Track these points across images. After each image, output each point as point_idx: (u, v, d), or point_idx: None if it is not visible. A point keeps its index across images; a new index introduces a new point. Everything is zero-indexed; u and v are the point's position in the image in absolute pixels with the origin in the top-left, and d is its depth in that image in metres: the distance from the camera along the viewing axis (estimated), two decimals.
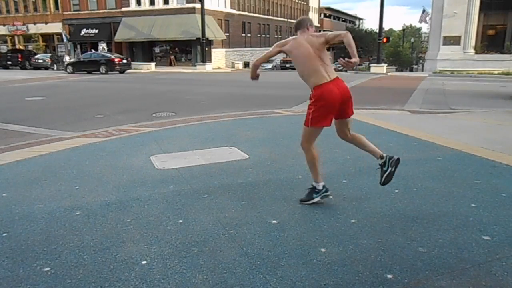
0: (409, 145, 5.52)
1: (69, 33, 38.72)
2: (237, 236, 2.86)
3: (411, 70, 44.92)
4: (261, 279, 2.32)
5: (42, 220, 3.15)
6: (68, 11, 39.22)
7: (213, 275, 2.37)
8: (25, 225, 3.06)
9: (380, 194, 3.65)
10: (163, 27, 34.80)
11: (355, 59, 3.05)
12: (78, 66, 26.73)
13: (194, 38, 32.85)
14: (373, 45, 49.90)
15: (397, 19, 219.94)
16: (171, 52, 37.46)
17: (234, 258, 2.56)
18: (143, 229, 2.99)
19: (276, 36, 50.36)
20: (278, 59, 39.54)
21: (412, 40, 67.12)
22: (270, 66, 36.89)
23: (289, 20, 52.44)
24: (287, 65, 35.51)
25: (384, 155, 3.37)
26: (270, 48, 3.49)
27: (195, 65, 32.36)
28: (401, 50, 55.85)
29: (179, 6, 35.31)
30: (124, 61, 26.89)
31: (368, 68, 30.67)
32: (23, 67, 31.90)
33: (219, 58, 37.71)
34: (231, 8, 40.29)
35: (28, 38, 42.09)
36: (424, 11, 36.69)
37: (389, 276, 2.34)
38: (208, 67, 31.39)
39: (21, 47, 40.18)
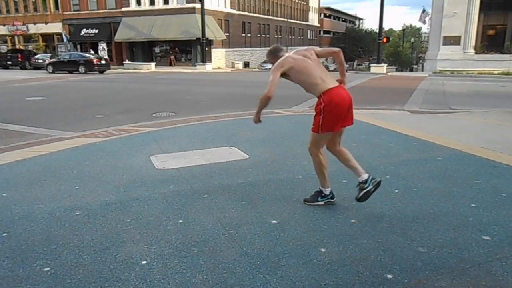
0: (409, 145, 5.52)
1: (69, 33, 38.71)
2: (237, 236, 2.86)
3: (411, 70, 44.90)
4: (261, 279, 2.32)
5: (42, 220, 3.15)
6: (68, 11, 39.21)
7: (213, 275, 2.37)
8: (25, 225, 3.06)
9: (380, 194, 3.64)
10: (163, 27, 34.78)
11: (345, 79, 3.38)
12: (58, 66, 27.21)
13: (194, 38, 32.83)
14: (373, 45, 49.95)
15: (397, 19, 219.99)
16: (171, 52, 37.45)
17: (234, 258, 2.56)
18: (143, 229, 2.99)
19: (276, 36, 50.36)
20: None
21: (412, 40, 67.15)
22: (270, 66, 36.78)
23: (289, 20, 52.46)
24: None
25: (367, 175, 3.25)
26: (271, 76, 3.21)
27: (195, 65, 32.35)
28: (401, 50, 55.86)
29: (179, 6, 35.30)
30: (103, 61, 27.40)
31: (368, 68, 30.69)
32: (23, 67, 31.88)
33: (219, 58, 37.70)
34: (231, 8, 40.28)
35: (28, 38, 42.07)
36: (424, 11, 36.71)
37: (389, 276, 2.34)
38: (208, 67, 31.38)
39: (21, 47, 40.15)
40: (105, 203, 3.48)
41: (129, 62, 34.65)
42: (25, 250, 2.68)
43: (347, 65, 49.85)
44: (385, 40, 28.70)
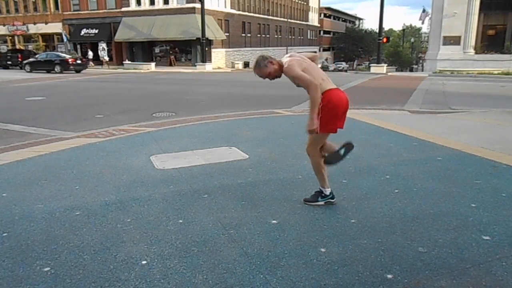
0: (409, 145, 5.52)
1: (69, 33, 38.69)
2: (237, 236, 2.86)
3: (411, 70, 44.93)
4: (261, 279, 2.32)
5: (42, 220, 3.15)
6: (68, 11, 39.20)
7: (213, 275, 2.37)
8: (25, 225, 3.06)
9: (380, 194, 3.65)
10: (163, 27, 34.77)
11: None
12: (35, 66, 27.55)
13: (194, 38, 32.83)
14: (373, 45, 49.97)
15: (397, 19, 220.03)
16: (171, 52, 37.43)
17: (234, 258, 2.56)
18: (143, 229, 2.99)
19: (276, 36, 50.37)
20: None
21: (412, 40, 67.15)
22: None
23: (289, 20, 52.44)
24: None
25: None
26: (299, 75, 3.07)
27: (195, 65, 32.35)
28: (401, 50, 55.89)
29: (179, 6, 35.29)
30: (78, 61, 27.74)
31: (368, 68, 30.71)
32: (23, 67, 31.87)
33: (219, 58, 37.69)
34: (231, 8, 40.27)
35: (28, 38, 42.05)
36: (424, 10, 36.74)
37: (389, 276, 2.34)
38: (208, 67, 31.38)
39: (21, 47, 40.13)
40: (105, 203, 3.48)
41: (129, 62, 34.65)
42: (25, 250, 2.68)
43: (347, 65, 49.92)
44: (385, 40, 28.71)
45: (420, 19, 38.37)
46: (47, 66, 27.01)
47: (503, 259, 2.51)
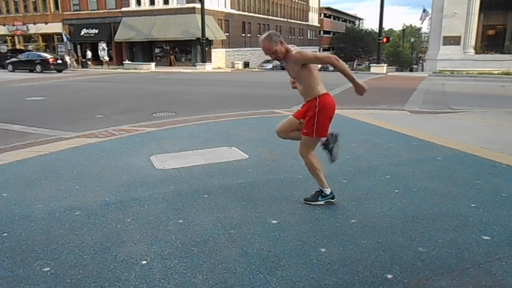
0: (409, 145, 5.52)
1: (69, 33, 38.67)
2: (237, 236, 2.86)
3: (411, 70, 44.92)
4: (261, 279, 2.32)
5: (42, 220, 3.15)
6: (68, 11, 39.20)
7: (213, 275, 2.37)
8: (25, 225, 3.06)
9: (380, 194, 3.65)
10: (163, 27, 34.78)
11: None
12: (17, 65, 27.98)
13: (194, 38, 32.83)
14: (373, 45, 49.95)
15: (397, 19, 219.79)
16: (171, 52, 37.44)
17: (234, 258, 2.56)
18: (143, 229, 2.99)
19: None
20: None
21: (412, 40, 67.13)
22: (270, 66, 36.82)
23: (289, 20, 52.46)
24: None
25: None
26: (314, 54, 3.20)
27: (195, 65, 32.35)
28: (401, 50, 55.88)
29: (179, 6, 35.29)
30: (59, 61, 28.10)
31: (368, 68, 30.71)
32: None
33: (219, 58, 37.69)
34: (231, 8, 40.27)
35: (28, 38, 42.04)
36: (424, 10, 36.74)
37: (389, 276, 2.34)
38: (208, 67, 31.38)
39: (21, 47, 40.13)
40: (105, 203, 3.48)
41: (129, 62, 34.66)
42: (25, 250, 2.68)
43: (348, 65, 49.85)
44: (385, 40, 28.70)
45: (420, 19, 38.39)
46: (28, 65, 27.46)
47: (503, 259, 2.51)
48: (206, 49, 31.62)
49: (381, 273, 2.37)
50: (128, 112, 9.34)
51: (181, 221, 3.12)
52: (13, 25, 41.30)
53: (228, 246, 2.72)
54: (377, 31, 28.29)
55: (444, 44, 28.40)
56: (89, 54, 35.02)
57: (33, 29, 41.07)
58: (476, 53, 27.98)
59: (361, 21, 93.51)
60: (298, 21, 58.27)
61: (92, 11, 38.06)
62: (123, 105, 10.66)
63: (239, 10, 41.75)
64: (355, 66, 52.60)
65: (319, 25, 68.55)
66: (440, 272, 2.37)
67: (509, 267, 2.42)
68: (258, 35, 46.10)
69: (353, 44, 64.52)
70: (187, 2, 34.74)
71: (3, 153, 5.25)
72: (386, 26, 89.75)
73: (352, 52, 64.48)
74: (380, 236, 2.82)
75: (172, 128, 6.98)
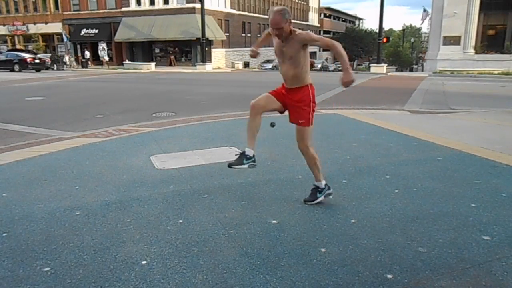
0: (409, 145, 5.52)
1: (69, 33, 38.71)
2: (237, 236, 2.86)
3: (411, 70, 44.95)
4: (261, 279, 2.32)
5: (42, 220, 3.15)
6: (68, 11, 39.21)
7: (213, 275, 2.37)
8: (25, 225, 3.06)
9: (380, 194, 3.65)
10: (163, 27, 34.79)
11: None
12: None
13: (194, 38, 32.85)
14: (373, 45, 49.94)
15: (397, 19, 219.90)
16: (171, 52, 37.44)
17: (234, 258, 2.56)
18: (143, 229, 2.99)
19: None
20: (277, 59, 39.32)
21: (412, 40, 67.16)
22: (270, 66, 36.80)
23: None
24: None
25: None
26: (319, 36, 3.37)
27: (195, 65, 32.37)
28: (401, 50, 55.90)
29: (179, 6, 35.31)
30: (37, 60, 28.24)
31: (368, 68, 30.73)
32: None
33: (219, 58, 37.70)
34: (231, 8, 40.28)
35: (28, 38, 42.06)
36: (425, 10, 36.76)
37: (389, 276, 2.34)
38: (208, 67, 31.39)
39: (21, 47, 40.15)
40: (105, 203, 3.48)
41: (129, 62, 34.69)
42: (25, 250, 2.68)
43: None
44: (385, 40, 28.73)
45: (421, 19, 38.42)
46: (7, 65, 27.79)
47: (503, 259, 2.51)
48: (206, 49, 31.64)
49: (381, 273, 2.37)
50: (128, 112, 9.34)
51: (181, 221, 3.12)
52: (13, 25, 41.32)
53: (228, 246, 2.72)
54: (377, 31, 28.32)
55: (444, 44, 28.42)
56: (87, 54, 35.03)
57: (33, 29, 41.10)
58: (476, 53, 28.00)
59: (361, 21, 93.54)
60: (298, 21, 58.23)
61: (92, 11, 38.08)
62: (123, 105, 10.66)
63: (239, 10, 41.75)
64: (355, 66, 52.63)
65: (319, 25, 68.52)
66: (440, 272, 2.37)
67: (509, 267, 2.42)
68: (258, 35, 46.35)
69: (353, 44, 64.47)
70: (187, 2, 34.75)
71: (3, 153, 5.25)
72: (386, 26, 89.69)
73: (352, 52, 64.39)
74: (380, 236, 2.82)
75: (172, 128, 6.98)
